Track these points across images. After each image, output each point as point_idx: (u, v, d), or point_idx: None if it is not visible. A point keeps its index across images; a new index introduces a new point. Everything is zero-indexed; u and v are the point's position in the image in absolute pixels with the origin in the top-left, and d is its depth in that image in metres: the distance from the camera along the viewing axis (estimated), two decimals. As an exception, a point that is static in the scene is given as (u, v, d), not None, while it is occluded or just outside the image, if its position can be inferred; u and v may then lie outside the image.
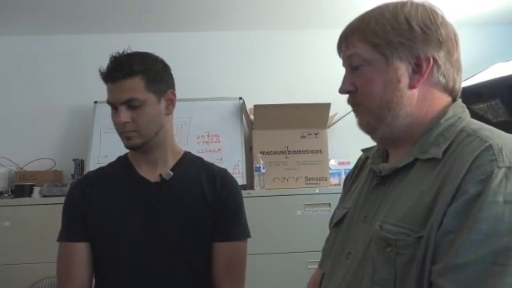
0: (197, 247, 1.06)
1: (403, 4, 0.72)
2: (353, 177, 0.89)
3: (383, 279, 0.64)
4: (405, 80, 0.70)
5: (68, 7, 2.14)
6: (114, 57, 1.04)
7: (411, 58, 0.69)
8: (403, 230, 0.63)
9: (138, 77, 1.01)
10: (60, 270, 1.06)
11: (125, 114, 1.00)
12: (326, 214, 1.70)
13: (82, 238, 1.05)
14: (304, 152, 2.16)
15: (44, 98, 2.42)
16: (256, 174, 2.07)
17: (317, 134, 2.17)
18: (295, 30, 2.51)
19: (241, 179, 2.12)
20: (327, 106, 2.14)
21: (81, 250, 1.04)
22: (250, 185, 2.14)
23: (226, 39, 2.51)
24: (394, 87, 0.69)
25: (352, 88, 0.73)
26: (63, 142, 2.40)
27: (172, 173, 1.07)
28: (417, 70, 0.69)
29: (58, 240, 1.07)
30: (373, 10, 0.73)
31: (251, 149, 2.20)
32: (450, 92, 0.73)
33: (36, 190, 2.05)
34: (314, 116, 2.15)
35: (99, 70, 1.04)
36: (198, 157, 1.17)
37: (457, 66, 0.73)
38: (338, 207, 0.88)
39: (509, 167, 0.58)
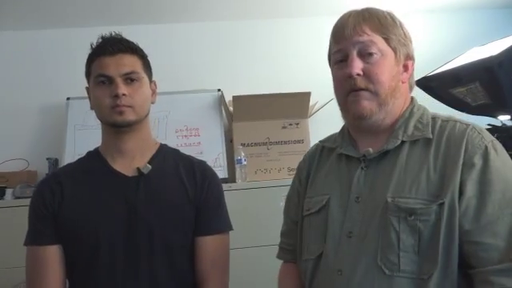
0: (179, 243, 1.01)
1: (392, 13, 0.85)
2: (313, 167, 0.94)
3: (409, 245, 0.73)
4: (401, 74, 0.83)
5: (36, 1, 2.04)
6: (109, 35, 1.04)
7: (405, 58, 0.84)
8: (420, 201, 0.74)
9: (137, 56, 1.04)
10: (30, 277, 0.99)
11: (123, 87, 0.98)
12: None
13: (53, 240, 0.98)
14: (286, 142, 2.14)
15: (13, 96, 2.31)
16: (237, 166, 2.03)
17: (298, 123, 2.16)
18: (272, 19, 2.47)
19: (222, 172, 2.09)
20: (307, 95, 2.12)
21: (52, 254, 0.98)
22: (231, 178, 2.11)
23: (202, 30, 2.45)
24: (398, 78, 0.82)
25: (361, 72, 0.80)
26: (36, 141, 2.31)
27: (150, 166, 1.02)
28: (404, 68, 0.84)
29: (25, 244, 1.00)
30: (373, 10, 0.84)
31: (232, 141, 2.17)
32: (411, 89, 0.89)
33: (8, 191, 1.97)
34: (295, 105, 2.12)
35: (91, 45, 1.03)
36: (174, 149, 1.13)
37: None
38: (306, 197, 0.92)
39: (492, 141, 0.77)
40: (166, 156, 1.08)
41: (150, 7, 2.23)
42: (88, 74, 1.05)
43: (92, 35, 1.09)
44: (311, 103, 2.18)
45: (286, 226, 1.00)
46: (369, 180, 0.81)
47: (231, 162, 2.14)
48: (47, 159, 2.14)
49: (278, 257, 1.00)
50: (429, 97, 1.54)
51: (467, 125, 0.79)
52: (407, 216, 0.74)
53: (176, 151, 1.12)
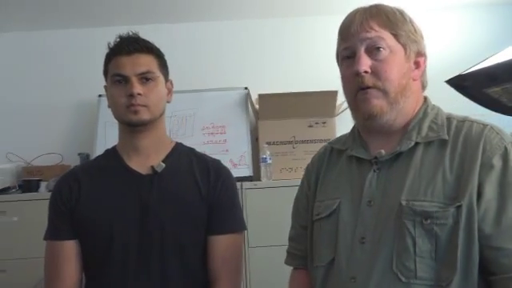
0: (191, 242, 1.02)
1: (400, 8, 0.82)
2: (322, 170, 0.91)
3: (425, 250, 0.70)
4: (411, 72, 0.80)
5: (68, 1, 2.11)
6: (126, 35, 1.05)
7: (415, 54, 0.81)
8: (436, 204, 0.71)
9: (153, 55, 1.04)
10: (47, 271, 1.02)
11: (138, 86, 0.99)
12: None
13: (70, 235, 1.01)
14: (312, 141, 2.12)
15: (49, 93, 2.41)
16: (262, 164, 2.03)
17: (324, 122, 2.13)
18: (300, 17, 2.44)
19: (247, 170, 2.10)
20: (334, 94, 2.09)
21: (69, 249, 1.00)
22: (256, 176, 2.11)
23: (230, 28, 2.46)
24: (408, 76, 0.79)
25: (369, 70, 0.77)
26: (69, 137, 2.40)
27: (164, 164, 1.03)
28: (416, 65, 0.81)
29: (44, 238, 1.04)
30: (381, 6, 0.81)
31: (258, 139, 2.17)
32: (424, 88, 0.85)
33: (43, 184, 2.05)
34: (321, 104, 2.10)
35: (108, 45, 1.04)
36: (190, 148, 1.13)
37: None
38: (316, 200, 0.88)
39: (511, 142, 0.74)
40: (180, 154, 1.08)
41: (176, 6, 2.26)
42: (105, 73, 1.06)
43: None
44: (338, 102, 2.15)
45: (294, 230, 0.96)
46: (381, 183, 0.78)
47: (256, 160, 2.14)
48: (79, 154, 2.21)
49: (287, 263, 0.96)
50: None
51: (484, 125, 0.76)
52: (423, 220, 0.71)
53: (191, 150, 1.12)
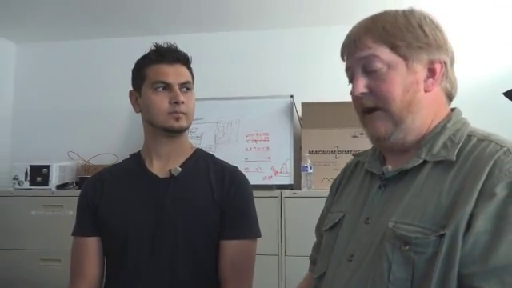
0: (203, 244, 1.04)
1: (411, 11, 0.74)
2: (343, 181, 0.88)
3: (400, 279, 0.63)
4: (421, 83, 0.72)
5: (126, 11, 2.26)
6: (166, 44, 1.09)
7: (426, 62, 0.72)
8: (420, 229, 0.63)
9: (188, 67, 1.11)
10: (72, 265, 1.08)
11: (182, 95, 1.04)
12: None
13: (93, 232, 1.06)
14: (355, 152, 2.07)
15: (108, 98, 2.59)
16: (303, 173, 2.02)
17: (370, 133, 2.07)
18: (347, 26, 2.40)
19: (288, 179, 2.09)
20: (381, 104, 2.03)
21: (91, 245, 1.06)
22: (297, 185, 2.10)
23: (278, 37, 2.48)
24: (414, 89, 0.71)
25: (367, 91, 0.73)
26: (125, 139, 2.56)
27: (180, 169, 1.06)
28: (430, 74, 0.72)
29: (72, 234, 1.10)
30: (382, 15, 0.75)
31: (301, 148, 2.17)
32: (450, 99, 0.76)
33: (97, 182, 2.20)
34: (367, 115, 2.04)
35: (151, 50, 1.08)
36: (209, 154, 1.16)
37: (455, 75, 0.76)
38: (329, 211, 0.87)
39: None
40: (199, 160, 1.11)
41: (225, 16, 2.31)
42: (140, 78, 1.09)
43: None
44: (385, 113, 2.08)
45: (316, 239, 0.96)
46: (383, 201, 0.73)
47: (298, 168, 2.13)
48: (130, 155, 2.34)
49: (310, 270, 0.96)
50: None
51: (503, 146, 0.64)
52: (402, 245, 0.64)
53: (211, 156, 1.15)
